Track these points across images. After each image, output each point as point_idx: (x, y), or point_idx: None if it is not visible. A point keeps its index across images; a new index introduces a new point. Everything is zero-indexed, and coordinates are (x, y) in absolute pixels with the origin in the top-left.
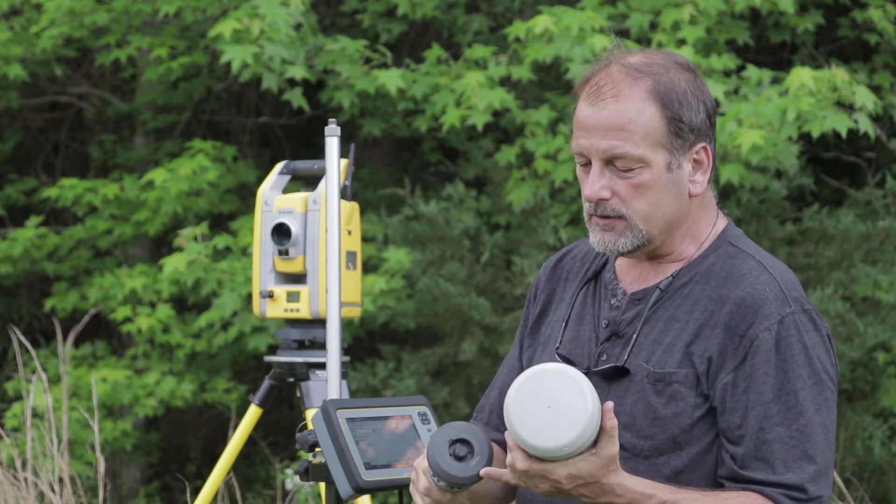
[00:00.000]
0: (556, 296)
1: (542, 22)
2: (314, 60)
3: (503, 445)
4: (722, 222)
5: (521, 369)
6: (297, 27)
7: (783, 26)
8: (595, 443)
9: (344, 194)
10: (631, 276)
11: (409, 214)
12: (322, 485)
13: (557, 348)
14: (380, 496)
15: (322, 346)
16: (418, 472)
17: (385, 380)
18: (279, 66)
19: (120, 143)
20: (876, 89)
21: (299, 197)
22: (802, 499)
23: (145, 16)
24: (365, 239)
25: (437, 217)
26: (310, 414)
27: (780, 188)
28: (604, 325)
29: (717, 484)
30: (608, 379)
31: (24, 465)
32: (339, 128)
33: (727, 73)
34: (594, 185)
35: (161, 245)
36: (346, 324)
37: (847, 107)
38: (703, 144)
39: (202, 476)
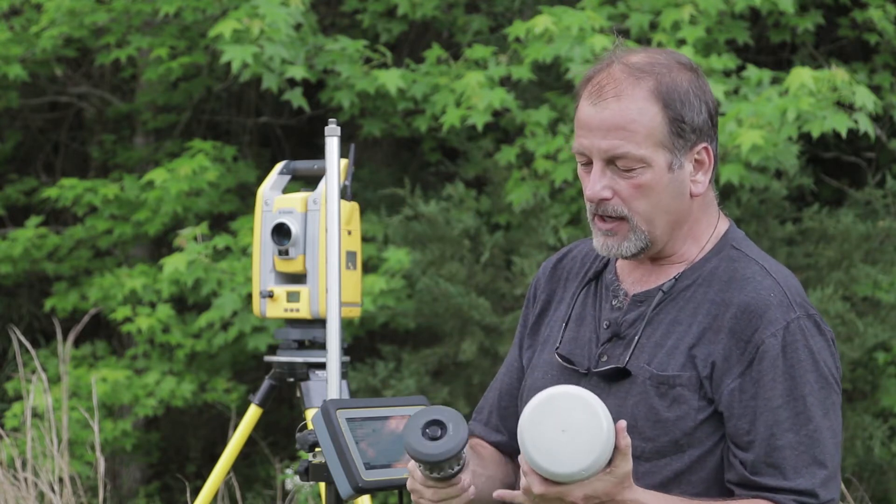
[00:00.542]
0: (555, 296)
1: (542, 22)
2: (314, 60)
3: (502, 447)
4: (724, 224)
5: (522, 370)
6: (297, 27)
7: (783, 26)
8: (609, 462)
9: (344, 194)
10: (632, 278)
11: (409, 214)
12: (322, 485)
13: (557, 348)
14: (380, 496)
15: (322, 346)
16: (412, 470)
17: (385, 380)
18: (279, 66)
19: (120, 143)
20: (876, 89)
21: (299, 197)
22: None
23: (145, 16)
24: (365, 239)
25: (437, 217)
26: (310, 414)
27: (780, 188)
28: (605, 326)
29: (718, 487)
30: (608, 380)
31: (24, 465)
32: (339, 128)
33: (727, 73)
34: (595, 185)
35: (161, 245)
36: (346, 324)
37: (847, 107)
38: (704, 144)
39: (202, 476)
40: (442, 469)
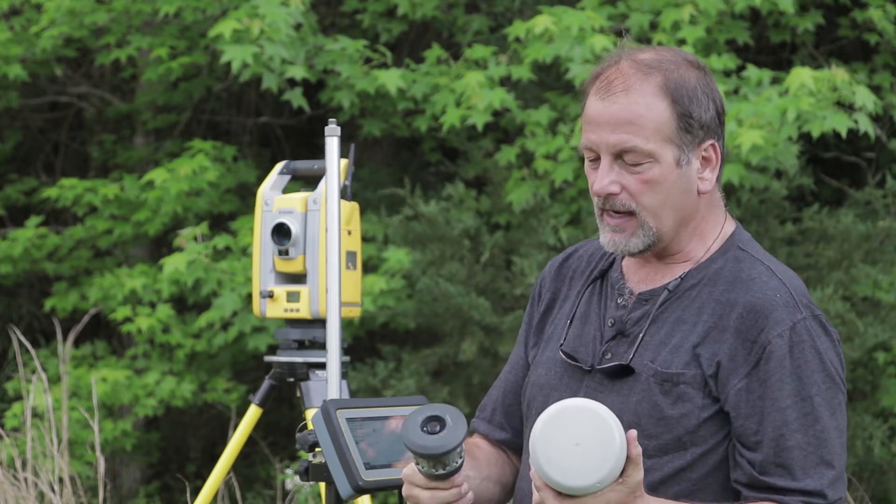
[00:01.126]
0: (560, 294)
1: (542, 22)
2: (314, 60)
3: (507, 445)
4: (730, 225)
5: (527, 367)
6: (297, 27)
7: (783, 26)
8: (622, 471)
9: (344, 194)
10: (638, 276)
11: (409, 214)
12: (322, 485)
13: (562, 345)
14: (380, 496)
15: (322, 346)
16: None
17: (385, 380)
18: (279, 66)
19: (120, 143)
20: (876, 89)
21: (299, 197)
22: None
23: (145, 16)
24: (365, 239)
25: (437, 217)
26: (310, 414)
27: (780, 188)
28: (609, 324)
29: (717, 483)
30: (612, 377)
31: (24, 465)
32: (339, 128)
33: (727, 73)
34: (603, 179)
35: (161, 245)
36: (346, 324)
37: (847, 107)
38: (711, 141)
39: (202, 476)
40: (442, 464)
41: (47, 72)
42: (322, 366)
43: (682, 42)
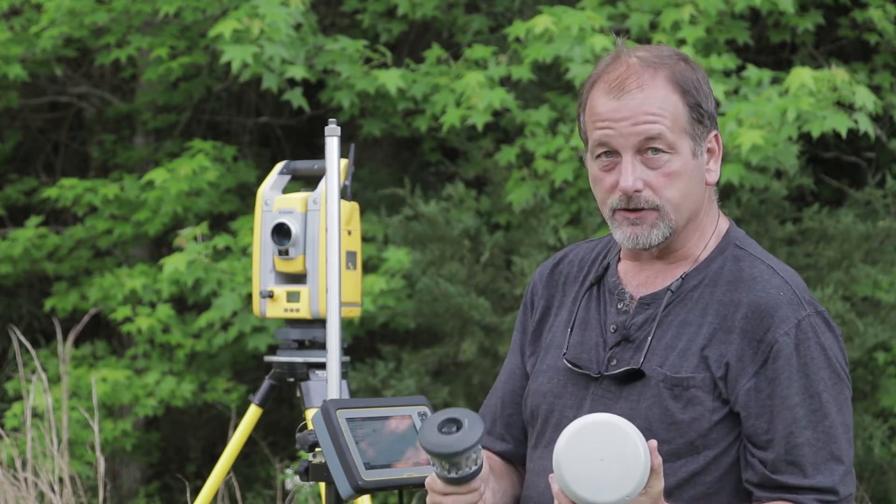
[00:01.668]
0: (554, 301)
1: (542, 22)
2: (314, 60)
3: (508, 456)
4: (724, 223)
5: (525, 377)
6: (297, 27)
7: (783, 26)
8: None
9: (344, 194)
10: (636, 281)
11: (409, 214)
12: (322, 485)
13: (564, 353)
14: (380, 496)
15: (322, 346)
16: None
17: (385, 380)
18: (279, 66)
19: (120, 143)
20: (876, 89)
21: (299, 197)
22: (834, 501)
23: (145, 16)
24: (365, 239)
25: (437, 217)
26: (310, 414)
27: (780, 188)
28: (612, 330)
29: (731, 485)
30: (620, 383)
31: (24, 465)
32: (339, 128)
33: (727, 73)
34: (628, 177)
35: (161, 245)
36: (346, 324)
37: (847, 107)
38: (715, 132)
39: (202, 476)
40: (458, 466)
41: (47, 72)
42: (322, 366)
43: (682, 42)
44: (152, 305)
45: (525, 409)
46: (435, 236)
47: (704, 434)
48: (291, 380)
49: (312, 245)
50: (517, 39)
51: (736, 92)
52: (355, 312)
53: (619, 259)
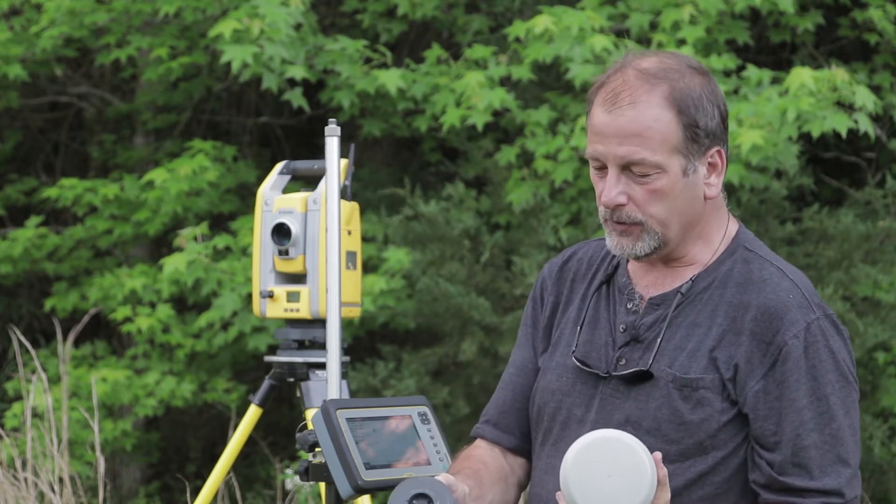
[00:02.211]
0: (562, 298)
1: (542, 22)
2: (314, 60)
3: (519, 451)
4: (734, 225)
5: (536, 371)
6: (297, 27)
7: (783, 26)
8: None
9: (344, 194)
10: (646, 281)
11: (409, 214)
12: (322, 485)
13: (574, 351)
14: (380, 496)
15: (322, 346)
16: None
17: (385, 380)
18: (279, 66)
19: (120, 143)
20: (876, 89)
21: (299, 197)
22: (840, 503)
23: (145, 16)
24: (365, 239)
25: (437, 217)
26: (310, 414)
27: (780, 188)
28: (621, 330)
29: (739, 486)
30: (629, 383)
31: (24, 465)
32: (339, 128)
33: (727, 73)
34: (611, 191)
35: (161, 245)
36: (346, 324)
37: (847, 107)
38: (717, 148)
39: (202, 476)
40: None
41: (47, 72)
42: (322, 366)
43: (682, 42)
44: (152, 305)
45: (532, 406)
46: (435, 236)
47: (713, 435)
48: (291, 380)
49: (312, 245)
50: (517, 39)
51: (736, 92)
52: (355, 312)
53: (629, 259)
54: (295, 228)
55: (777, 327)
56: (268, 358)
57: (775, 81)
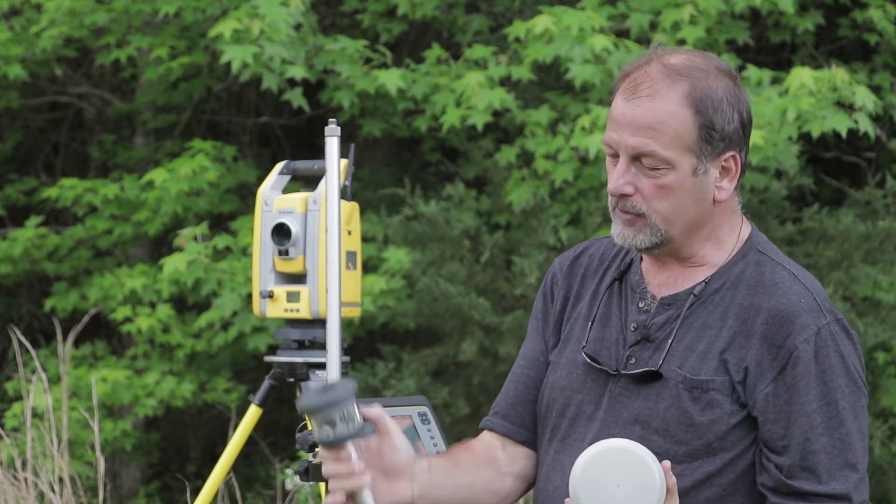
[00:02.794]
0: (573, 293)
1: (542, 22)
2: (314, 60)
3: (527, 443)
4: (747, 228)
5: (547, 364)
6: (297, 27)
7: (783, 26)
8: None
9: (344, 194)
10: (658, 280)
11: (409, 214)
12: (322, 485)
13: (584, 347)
14: None
15: (322, 346)
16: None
17: (385, 380)
18: (279, 66)
19: (120, 143)
20: (876, 89)
21: (299, 197)
22: None
23: (145, 16)
24: (365, 239)
25: (437, 217)
26: None
27: (780, 188)
28: (632, 328)
29: (746, 487)
30: (638, 382)
31: (24, 465)
32: (339, 128)
33: None
34: (618, 179)
35: (161, 245)
36: (346, 324)
37: (847, 107)
38: (733, 153)
39: (202, 476)
40: (333, 424)
41: (47, 72)
42: (322, 366)
43: (682, 42)
44: (152, 305)
45: (540, 401)
46: (435, 236)
47: (722, 436)
48: (291, 380)
49: (312, 245)
50: (517, 39)
51: None
52: (355, 312)
53: (642, 257)
54: (295, 228)
55: (788, 331)
56: (268, 358)
57: (775, 81)
